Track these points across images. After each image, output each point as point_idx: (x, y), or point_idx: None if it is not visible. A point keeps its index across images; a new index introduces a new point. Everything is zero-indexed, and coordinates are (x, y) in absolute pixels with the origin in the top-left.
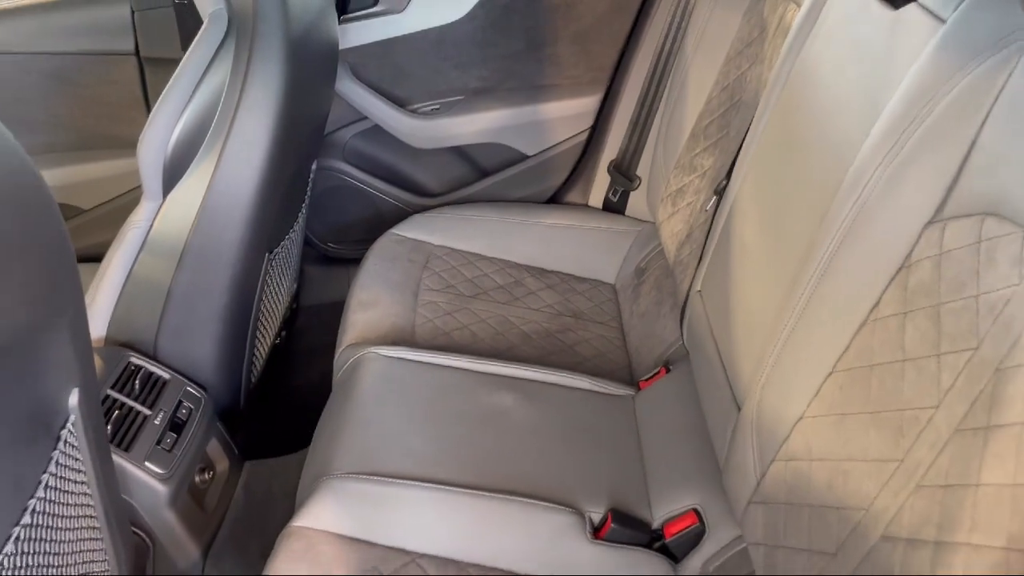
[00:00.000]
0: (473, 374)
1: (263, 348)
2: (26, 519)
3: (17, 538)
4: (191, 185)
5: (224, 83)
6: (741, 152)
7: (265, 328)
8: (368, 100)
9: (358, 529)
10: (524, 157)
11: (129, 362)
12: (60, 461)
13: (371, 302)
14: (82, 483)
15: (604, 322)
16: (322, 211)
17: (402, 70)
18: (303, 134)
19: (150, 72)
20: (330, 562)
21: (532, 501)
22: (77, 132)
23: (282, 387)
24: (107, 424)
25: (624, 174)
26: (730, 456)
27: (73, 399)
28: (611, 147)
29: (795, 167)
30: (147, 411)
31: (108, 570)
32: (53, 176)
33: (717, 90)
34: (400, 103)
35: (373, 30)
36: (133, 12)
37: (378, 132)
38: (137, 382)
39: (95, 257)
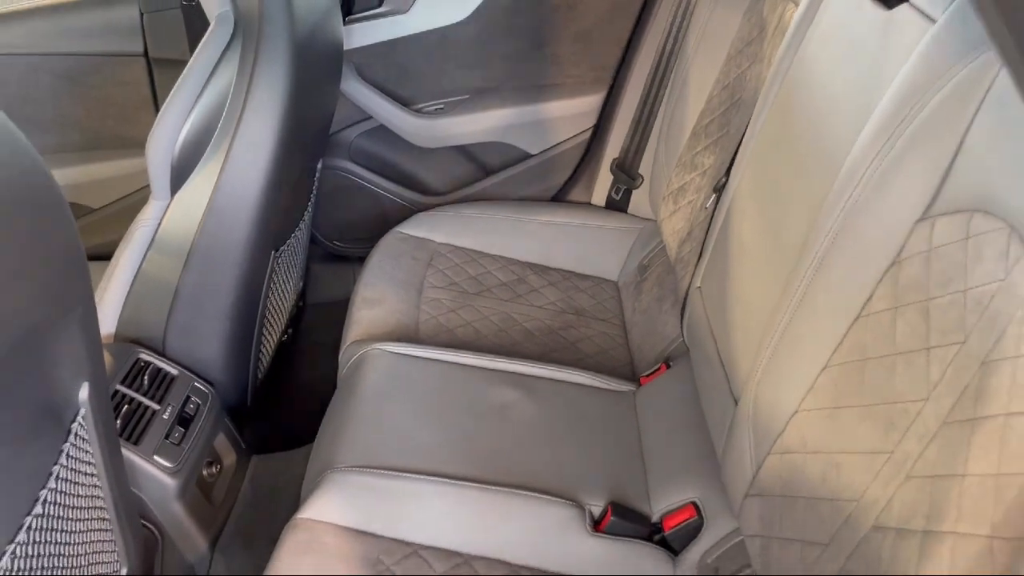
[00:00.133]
0: (476, 370)
1: (270, 345)
2: (38, 509)
3: (29, 527)
4: (198, 184)
5: (230, 84)
6: (740, 150)
7: (272, 325)
8: (373, 100)
9: (362, 521)
10: (527, 156)
11: (138, 358)
12: (71, 453)
13: (376, 299)
14: (92, 475)
15: (606, 319)
16: (328, 210)
17: (407, 70)
18: (308, 134)
19: (159, 73)
20: (334, 553)
21: (533, 494)
22: (87, 132)
23: (289, 383)
24: (116, 418)
25: (627, 172)
26: (727, 450)
27: (83, 393)
28: (614, 146)
29: (791, 165)
30: (156, 406)
31: (118, 561)
32: (63, 175)
33: (718, 89)
34: (405, 103)
35: (378, 30)
36: (142, 14)
37: (383, 131)
38: (146, 378)
39: (104, 256)
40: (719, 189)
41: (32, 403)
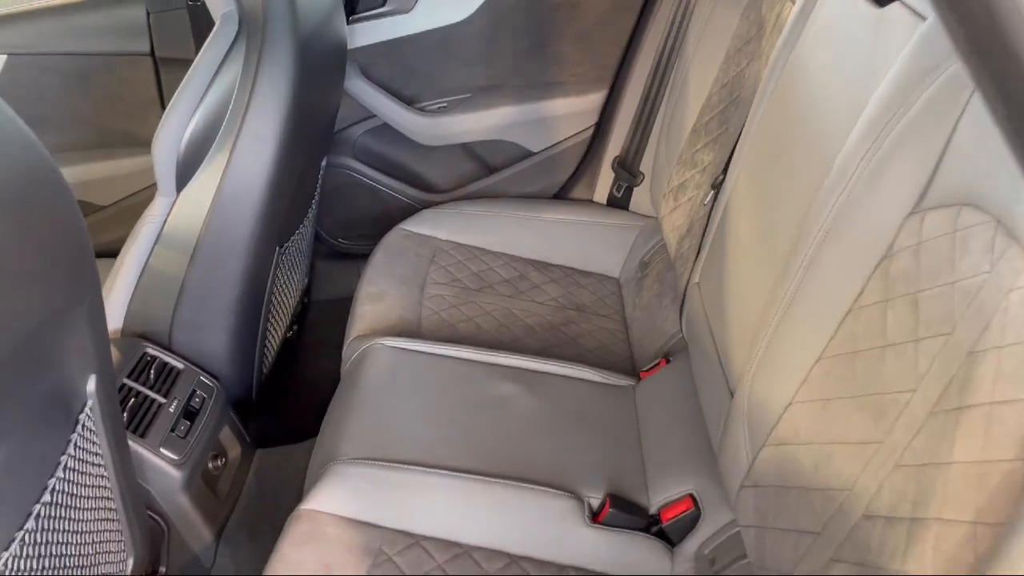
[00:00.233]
0: (477, 364)
1: (275, 340)
2: (46, 498)
3: (38, 515)
4: (203, 181)
5: (235, 82)
6: (737, 147)
7: (276, 321)
8: (377, 98)
9: (364, 512)
10: (530, 154)
11: (145, 352)
12: (78, 444)
13: (379, 295)
14: (99, 466)
15: (607, 315)
16: (333, 207)
17: (410, 69)
18: (312, 132)
19: (165, 72)
20: (336, 544)
21: (532, 486)
22: (95, 130)
23: (293, 379)
24: (123, 411)
25: (628, 170)
26: (723, 442)
27: (91, 385)
28: (615, 143)
29: (785, 161)
30: (162, 399)
31: (124, 551)
32: (71, 173)
33: (717, 87)
34: (408, 101)
35: (381, 30)
36: (148, 14)
37: (387, 130)
38: (152, 372)
39: (112, 253)
40: (717, 186)
41: (40, 394)
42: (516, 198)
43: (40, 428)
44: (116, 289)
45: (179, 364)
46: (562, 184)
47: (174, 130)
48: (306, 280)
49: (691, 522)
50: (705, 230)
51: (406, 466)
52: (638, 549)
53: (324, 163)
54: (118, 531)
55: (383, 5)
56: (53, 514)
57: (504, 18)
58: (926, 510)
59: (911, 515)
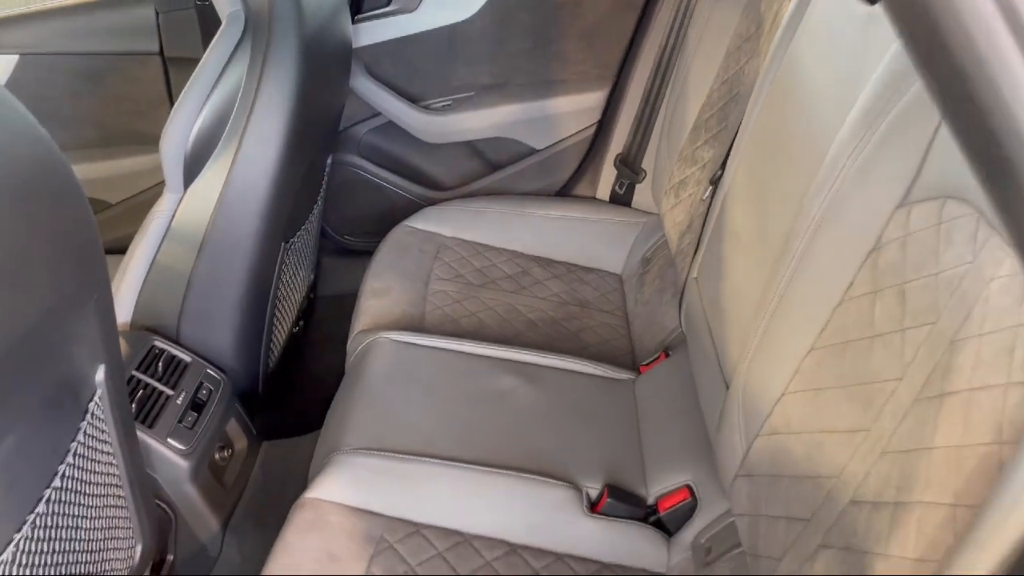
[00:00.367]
0: (479, 358)
1: (281, 335)
2: (56, 483)
3: (48, 499)
4: (210, 178)
5: (241, 81)
6: (735, 143)
7: (282, 315)
8: (382, 97)
9: (366, 501)
10: (533, 151)
11: (153, 345)
12: (88, 432)
13: (383, 290)
14: (108, 454)
15: (609, 311)
16: (338, 204)
17: (415, 67)
18: (317, 130)
19: (174, 71)
20: (339, 531)
21: (532, 476)
22: (104, 129)
23: (299, 373)
24: (132, 402)
25: (630, 167)
26: (719, 433)
27: (100, 375)
28: (617, 141)
29: (780, 156)
30: (170, 391)
31: (133, 537)
32: (81, 171)
33: (717, 84)
34: (413, 99)
35: (387, 29)
36: (157, 14)
37: (392, 128)
38: (160, 364)
39: (121, 250)
40: (715, 181)
41: (50, 382)
42: (519, 195)
43: (50, 415)
44: (125, 283)
45: (187, 357)
46: (565, 181)
47: (181, 127)
48: (312, 276)
49: (688, 512)
50: (704, 225)
51: (408, 456)
52: (635, 538)
53: (330, 161)
54: (127, 518)
55: (388, 4)
56: (63, 499)
57: (507, 17)
58: (909, 494)
59: (895, 499)
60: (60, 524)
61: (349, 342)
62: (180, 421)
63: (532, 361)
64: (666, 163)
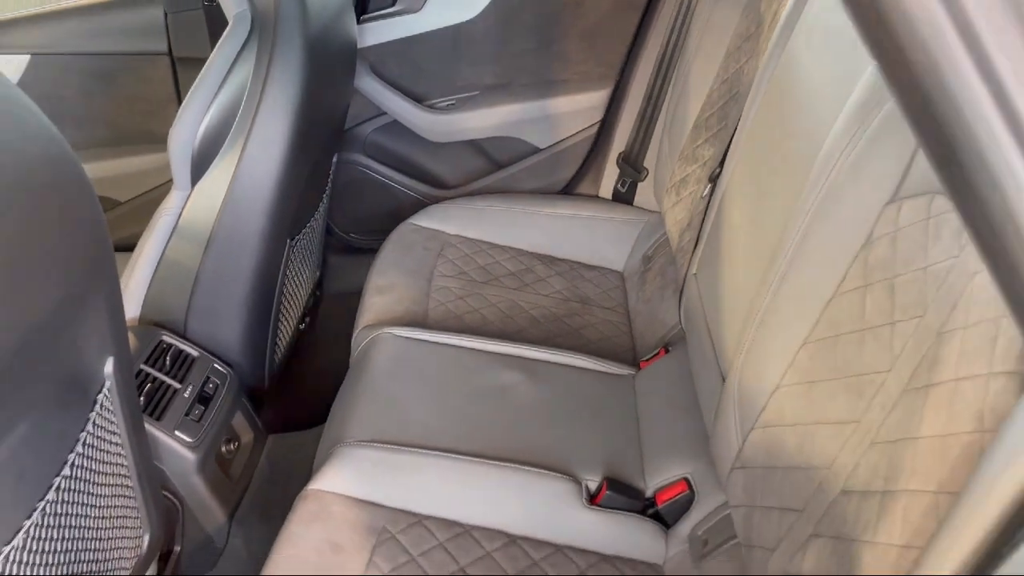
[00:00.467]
0: (480, 353)
1: (287, 331)
2: (66, 471)
3: (58, 488)
4: (217, 176)
5: (247, 80)
6: (733, 141)
7: (288, 312)
8: (387, 96)
9: (369, 492)
10: (536, 150)
11: (161, 340)
12: (97, 422)
13: (387, 287)
14: (117, 444)
15: (610, 308)
16: (344, 202)
17: (419, 67)
18: (322, 129)
19: (182, 71)
20: (342, 522)
21: (532, 469)
22: (114, 128)
23: (305, 369)
24: (140, 395)
25: (632, 166)
26: (716, 426)
27: (108, 367)
28: (620, 140)
29: (775, 153)
30: (177, 385)
31: (140, 527)
32: (91, 170)
33: (717, 83)
34: (417, 99)
35: (392, 29)
36: (166, 15)
37: (397, 127)
38: (168, 358)
39: (129, 247)
40: (714, 179)
41: (61, 373)
42: (523, 193)
43: (59, 405)
44: (134, 279)
45: (194, 351)
46: (568, 180)
47: (189, 126)
48: (318, 273)
49: (686, 504)
50: (703, 223)
51: (410, 449)
52: (634, 530)
53: (335, 160)
54: (134, 508)
55: (393, 5)
56: (73, 487)
57: (511, 17)
58: (896, 483)
59: (883, 488)
60: (69, 512)
61: (353, 337)
62: (187, 414)
63: (534, 357)
64: (668, 161)
